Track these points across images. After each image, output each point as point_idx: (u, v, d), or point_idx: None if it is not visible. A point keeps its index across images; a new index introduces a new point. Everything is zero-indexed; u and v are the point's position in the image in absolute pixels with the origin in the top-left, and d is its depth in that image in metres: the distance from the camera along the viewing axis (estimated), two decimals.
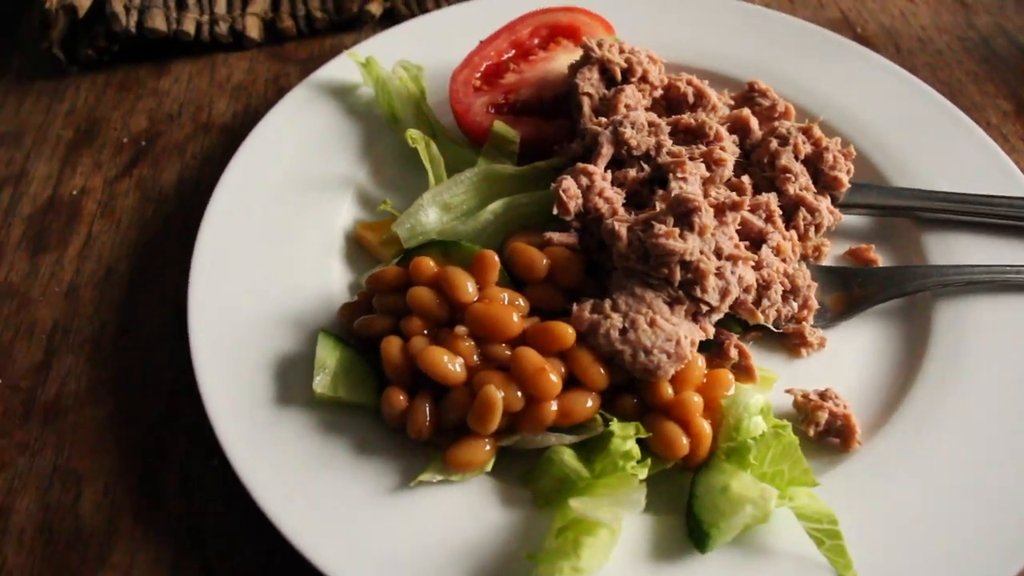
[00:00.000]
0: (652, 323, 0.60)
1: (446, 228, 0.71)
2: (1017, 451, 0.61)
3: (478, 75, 0.80)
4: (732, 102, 0.82)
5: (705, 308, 0.62)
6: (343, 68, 0.88)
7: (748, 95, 0.83)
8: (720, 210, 0.64)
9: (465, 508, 0.58)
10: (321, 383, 0.62)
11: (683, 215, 0.63)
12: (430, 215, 0.72)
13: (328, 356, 0.64)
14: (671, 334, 0.60)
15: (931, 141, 0.82)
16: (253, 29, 1.00)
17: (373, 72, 0.84)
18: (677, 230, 0.61)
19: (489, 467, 0.60)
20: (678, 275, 0.61)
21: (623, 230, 0.63)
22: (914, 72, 0.97)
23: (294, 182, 0.79)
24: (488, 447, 0.59)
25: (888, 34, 1.02)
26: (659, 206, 0.65)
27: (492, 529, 0.58)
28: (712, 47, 0.91)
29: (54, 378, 0.71)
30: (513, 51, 0.83)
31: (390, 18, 1.03)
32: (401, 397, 0.60)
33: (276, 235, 0.75)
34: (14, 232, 0.82)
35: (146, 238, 0.82)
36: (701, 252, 0.62)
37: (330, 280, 0.73)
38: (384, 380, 0.63)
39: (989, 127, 0.91)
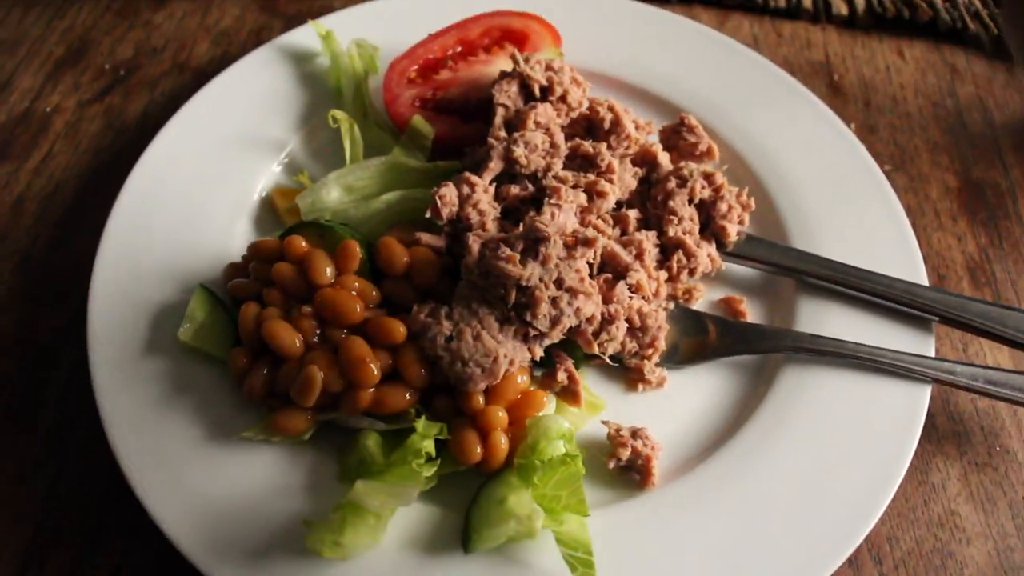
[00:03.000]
0: (477, 336, 0.64)
1: (340, 209, 0.76)
2: (791, 538, 0.63)
3: (415, 67, 0.84)
4: (656, 132, 0.84)
5: (534, 332, 0.66)
6: (310, 35, 0.93)
7: (676, 128, 0.84)
8: (573, 244, 0.67)
9: (276, 468, 0.65)
10: (185, 332, 0.69)
11: (533, 242, 0.66)
12: (332, 193, 0.78)
13: (199, 309, 0.70)
14: (490, 351, 0.64)
15: (845, 207, 0.82)
16: None
17: (330, 45, 0.89)
18: (518, 256, 0.65)
19: (307, 436, 0.66)
20: (513, 297, 0.65)
21: (476, 245, 0.67)
22: (874, 130, 0.97)
23: (230, 139, 0.85)
24: (308, 418, 0.65)
25: (864, 87, 1.01)
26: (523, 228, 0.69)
27: (295, 492, 0.64)
28: (660, 71, 0.92)
29: None
30: (459, 48, 0.86)
31: None
32: (244, 359, 0.67)
33: (197, 187, 0.81)
34: None
35: (98, 164, 0.90)
36: (541, 280, 0.66)
37: (232, 238, 0.79)
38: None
39: (926, 200, 0.91)
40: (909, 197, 0.91)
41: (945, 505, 0.71)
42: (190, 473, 0.64)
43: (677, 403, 0.72)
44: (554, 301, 0.66)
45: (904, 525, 0.70)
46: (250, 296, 0.70)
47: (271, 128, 0.87)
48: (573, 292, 0.67)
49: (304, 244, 0.70)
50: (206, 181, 0.82)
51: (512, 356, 0.65)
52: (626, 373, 0.73)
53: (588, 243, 0.68)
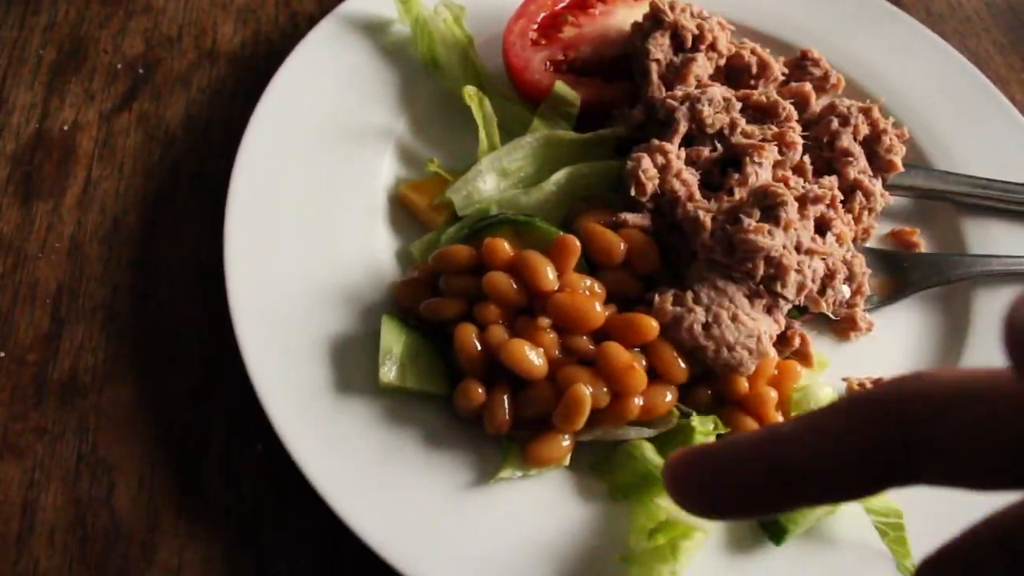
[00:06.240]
0: (735, 318, 0.59)
1: (505, 197, 0.67)
2: None
3: (535, 26, 0.74)
4: (786, 70, 0.80)
5: (782, 302, 0.62)
6: (373, 1, 0.80)
7: (800, 63, 0.80)
8: (802, 202, 0.63)
9: (544, 502, 0.58)
10: (387, 373, 0.59)
11: (768, 208, 0.61)
12: (487, 182, 0.68)
13: (394, 342, 0.60)
14: (753, 330, 0.59)
15: (973, 125, 0.82)
16: None
17: (413, 10, 0.77)
18: (766, 226, 0.60)
19: (567, 461, 0.59)
20: (761, 270, 0.60)
21: (707, 219, 0.61)
22: (943, 38, 0.97)
23: (328, 134, 0.73)
24: (568, 441, 0.58)
25: None
26: (738, 192, 0.63)
27: (572, 523, 0.57)
28: (757, 4, 0.87)
29: (66, 351, 0.64)
30: (567, 0, 0.77)
31: None
32: (480, 390, 0.58)
33: (315, 194, 0.69)
34: None
35: (155, 185, 0.74)
36: (784, 247, 0.61)
37: (376, 247, 0.68)
38: (453, 366, 0.60)
39: (1014, 103, 0.92)
40: None
41: None
42: (448, 530, 0.55)
43: (888, 344, 0.70)
44: (798, 266, 0.62)
45: None
46: (456, 317, 0.60)
47: (370, 115, 0.75)
48: (811, 253, 0.62)
49: (508, 248, 0.61)
50: (323, 190, 0.70)
51: (770, 331, 0.61)
52: (832, 324, 0.71)
53: (817, 200, 0.63)
